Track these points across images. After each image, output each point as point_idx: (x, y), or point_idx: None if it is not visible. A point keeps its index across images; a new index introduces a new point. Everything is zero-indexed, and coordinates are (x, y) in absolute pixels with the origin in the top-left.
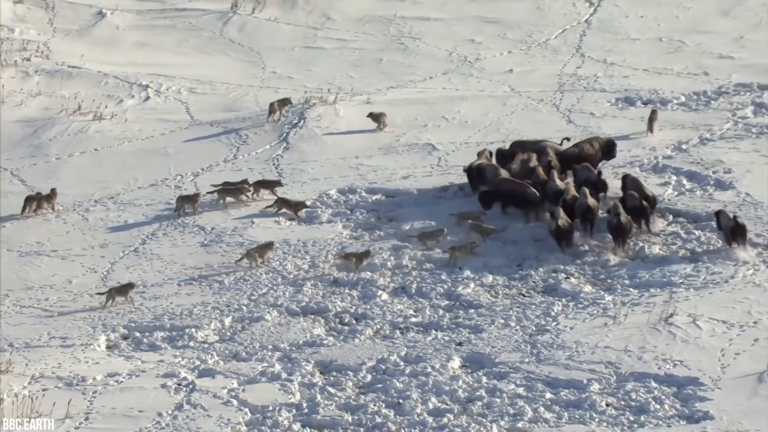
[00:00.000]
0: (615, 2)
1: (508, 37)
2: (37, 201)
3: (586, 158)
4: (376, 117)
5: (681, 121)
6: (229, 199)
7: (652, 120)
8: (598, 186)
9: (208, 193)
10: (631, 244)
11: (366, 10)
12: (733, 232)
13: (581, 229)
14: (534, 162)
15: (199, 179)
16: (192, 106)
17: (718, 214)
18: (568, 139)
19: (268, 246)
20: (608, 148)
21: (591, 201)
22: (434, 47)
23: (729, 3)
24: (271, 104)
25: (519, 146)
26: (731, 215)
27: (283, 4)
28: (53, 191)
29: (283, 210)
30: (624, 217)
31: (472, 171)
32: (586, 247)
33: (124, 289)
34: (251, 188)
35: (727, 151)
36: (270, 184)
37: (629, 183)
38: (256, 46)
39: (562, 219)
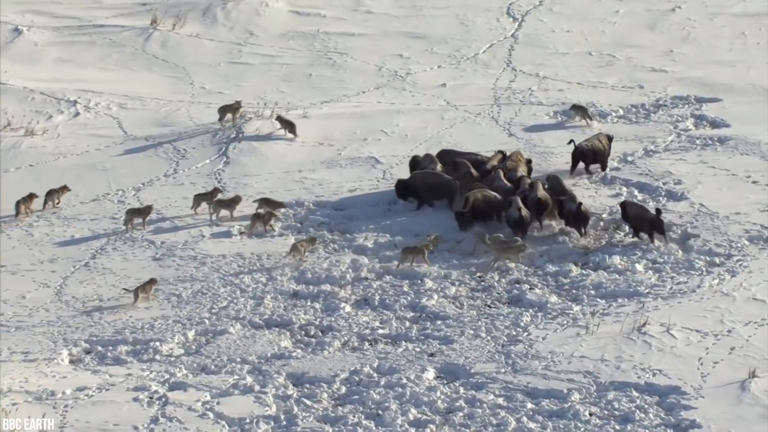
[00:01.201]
0: (539, 17)
1: (436, 52)
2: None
3: (598, 154)
4: (284, 122)
5: (623, 134)
6: (223, 212)
7: (583, 110)
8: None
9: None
10: (590, 255)
11: (288, 26)
12: (652, 224)
13: (534, 219)
14: (493, 163)
15: (141, 194)
16: (124, 122)
17: (624, 204)
18: (572, 141)
19: (312, 241)
20: (610, 142)
21: (542, 194)
22: (362, 62)
23: (653, 18)
24: (223, 108)
25: (445, 156)
26: (649, 208)
27: (203, 20)
28: (64, 186)
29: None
30: (583, 205)
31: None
32: (547, 257)
33: (149, 286)
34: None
35: (674, 162)
36: (274, 204)
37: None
38: (180, 61)
39: (523, 209)
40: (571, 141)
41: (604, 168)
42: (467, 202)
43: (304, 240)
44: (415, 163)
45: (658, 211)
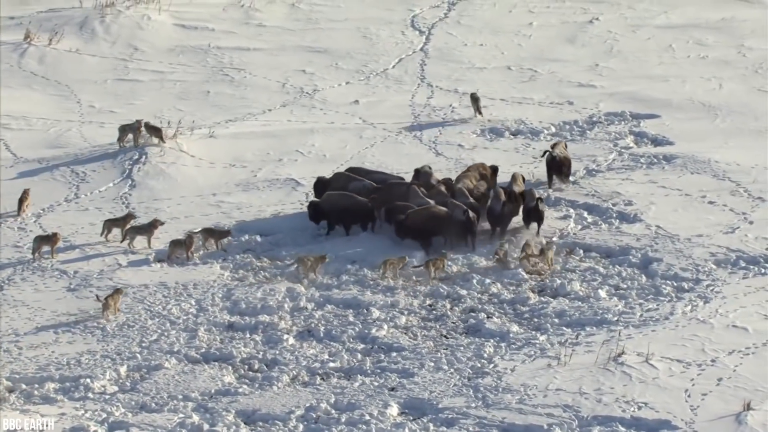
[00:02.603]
0: (447, 30)
1: (342, 67)
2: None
3: (570, 164)
4: (150, 128)
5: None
6: (139, 238)
7: (476, 101)
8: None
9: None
10: (548, 281)
11: (175, 40)
12: (529, 214)
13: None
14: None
15: (42, 220)
16: (11, 143)
17: (523, 193)
18: (548, 150)
19: (322, 258)
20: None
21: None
22: (263, 78)
23: (571, 30)
24: (123, 128)
25: (355, 172)
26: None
27: (81, 34)
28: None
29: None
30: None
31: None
32: (500, 286)
33: (117, 296)
34: (199, 234)
35: (620, 182)
36: (219, 234)
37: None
38: (62, 78)
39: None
40: (546, 152)
41: (569, 177)
42: (408, 217)
43: (311, 256)
44: (323, 185)
45: (540, 200)
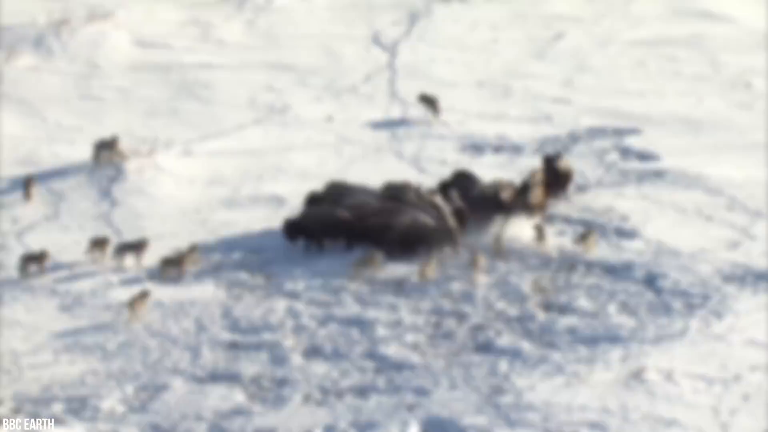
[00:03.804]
0: (412, 47)
1: (310, 84)
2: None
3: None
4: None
5: None
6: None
7: (432, 102)
8: None
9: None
10: (553, 297)
11: (135, 56)
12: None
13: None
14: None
15: (25, 239)
16: None
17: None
18: (560, 154)
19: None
20: None
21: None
22: (231, 95)
23: (539, 46)
24: (99, 146)
25: (336, 188)
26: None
27: (38, 51)
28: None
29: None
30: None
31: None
32: (505, 303)
33: (144, 298)
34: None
35: (613, 197)
36: (189, 259)
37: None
38: (25, 97)
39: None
40: (557, 155)
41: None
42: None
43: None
44: (315, 201)
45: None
